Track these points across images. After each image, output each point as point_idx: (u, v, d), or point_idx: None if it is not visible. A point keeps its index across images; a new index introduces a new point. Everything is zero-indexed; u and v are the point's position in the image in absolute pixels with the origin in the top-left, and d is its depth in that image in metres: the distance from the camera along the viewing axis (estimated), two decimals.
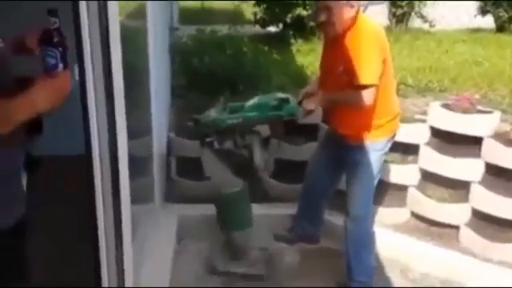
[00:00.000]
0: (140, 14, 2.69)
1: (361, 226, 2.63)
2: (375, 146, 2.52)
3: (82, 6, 1.49)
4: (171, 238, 2.85)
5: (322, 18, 2.38)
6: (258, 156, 2.59)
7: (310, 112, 2.54)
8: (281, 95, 2.61)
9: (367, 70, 2.31)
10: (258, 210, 2.83)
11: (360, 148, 2.51)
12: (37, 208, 2.28)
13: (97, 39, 1.54)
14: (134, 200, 1.98)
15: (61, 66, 1.36)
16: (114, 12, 1.61)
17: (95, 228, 1.71)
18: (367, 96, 2.33)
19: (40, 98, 1.35)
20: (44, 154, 3.07)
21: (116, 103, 1.65)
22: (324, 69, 2.63)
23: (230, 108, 2.60)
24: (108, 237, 1.73)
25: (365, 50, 2.33)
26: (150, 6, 2.77)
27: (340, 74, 2.42)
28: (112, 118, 1.63)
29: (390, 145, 2.60)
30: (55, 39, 1.35)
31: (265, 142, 2.63)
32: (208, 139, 2.59)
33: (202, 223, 2.94)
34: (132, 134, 2.05)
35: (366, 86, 2.32)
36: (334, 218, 2.95)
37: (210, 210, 2.72)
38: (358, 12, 2.38)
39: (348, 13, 2.35)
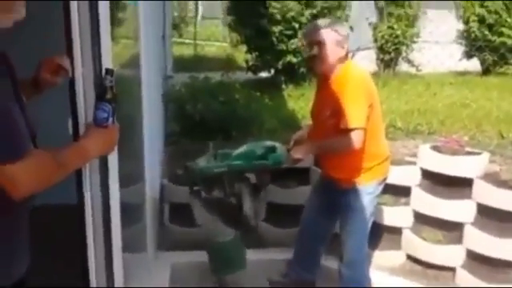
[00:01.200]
0: (134, 63, 2.76)
1: (356, 271, 2.61)
2: (367, 189, 2.54)
3: (78, 55, 1.54)
4: (164, 285, 2.80)
5: (314, 51, 2.45)
6: (248, 204, 2.59)
7: (297, 160, 2.55)
8: (268, 143, 2.63)
9: (354, 114, 2.36)
10: (251, 255, 2.80)
11: (352, 192, 2.53)
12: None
13: (90, 91, 1.59)
14: (127, 248, 1.97)
15: (111, 120, 1.48)
16: (108, 64, 1.65)
17: (87, 277, 1.70)
18: (355, 139, 2.37)
19: (92, 149, 1.44)
20: (35, 203, 3.05)
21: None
22: (313, 114, 2.69)
23: (219, 155, 2.63)
24: (100, 285, 1.71)
25: (351, 95, 2.38)
26: (143, 55, 2.85)
27: (327, 119, 2.47)
28: (104, 167, 1.65)
29: (381, 187, 2.63)
30: (108, 96, 1.49)
31: (254, 190, 2.63)
32: (195, 188, 2.60)
33: (194, 270, 2.90)
34: (125, 182, 2.07)
35: (353, 130, 2.36)
36: (329, 262, 2.92)
37: (202, 256, 2.70)
38: (347, 55, 2.46)
39: (338, 52, 2.43)
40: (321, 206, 2.75)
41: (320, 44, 2.42)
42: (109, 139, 1.48)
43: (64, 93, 1.58)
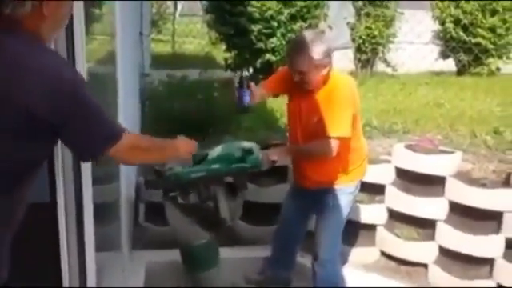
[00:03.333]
0: (110, 60, 2.73)
1: (330, 269, 2.64)
2: (347, 189, 2.58)
3: None
4: (139, 285, 2.79)
5: (297, 78, 2.42)
6: (225, 207, 2.56)
7: (274, 162, 2.55)
8: (245, 145, 2.60)
9: (337, 123, 2.38)
10: (226, 252, 2.81)
11: (332, 192, 2.55)
12: None
13: None
14: (101, 247, 1.95)
15: None
16: (81, 61, 1.64)
17: (59, 276, 1.68)
18: (331, 147, 2.39)
19: (181, 146, 1.75)
20: None
21: None
22: (296, 119, 2.59)
23: (194, 157, 2.59)
24: (73, 284, 1.70)
25: (337, 104, 2.39)
26: (119, 52, 2.82)
27: (314, 125, 2.46)
28: (78, 165, 1.64)
29: (359, 187, 2.67)
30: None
31: (231, 191, 2.61)
32: (171, 194, 2.56)
33: (169, 269, 2.90)
34: (100, 180, 2.05)
35: (332, 138, 2.38)
36: (305, 260, 2.95)
37: (177, 255, 2.70)
38: (331, 68, 2.43)
39: (322, 71, 2.39)
40: (299, 206, 2.77)
41: (301, 73, 2.39)
42: (191, 145, 1.80)
43: None
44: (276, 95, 2.76)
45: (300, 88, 2.47)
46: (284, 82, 2.58)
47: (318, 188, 2.58)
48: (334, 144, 2.38)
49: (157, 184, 2.73)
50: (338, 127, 2.38)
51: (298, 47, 2.38)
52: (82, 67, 1.64)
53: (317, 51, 2.33)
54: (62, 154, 1.61)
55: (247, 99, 2.43)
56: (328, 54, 2.38)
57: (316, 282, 2.62)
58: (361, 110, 2.65)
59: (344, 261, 2.89)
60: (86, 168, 1.69)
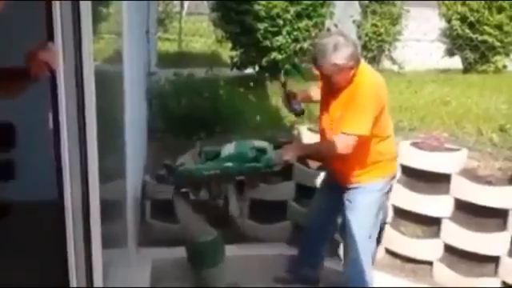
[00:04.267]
0: (117, 58, 2.76)
1: (358, 269, 2.60)
2: (373, 186, 2.55)
3: (59, 50, 1.55)
4: (145, 282, 2.81)
5: (324, 81, 2.50)
6: (234, 205, 2.59)
7: (286, 162, 2.57)
8: (258, 144, 2.60)
9: (354, 121, 2.39)
10: (231, 250, 2.83)
11: (358, 189, 2.55)
12: (6, 254, 2.25)
13: (71, 86, 1.59)
14: (107, 244, 1.97)
15: None
16: (89, 59, 1.66)
17: (66, 274, 1.70)
18: (342, 144, 2.40)
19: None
20: (15, 199, 3.05)
21: (88, 149, 1.67)
22: (327, 112, 2.61)
23: (205, 153, 2.59)
24: (80, 282, 1.72)
25: (358, 103, 2.40)
26: (126, 50, 2.84)
27: (337, 120, 2.49)
28: (84, 163, 1.66)
29: (389, 186, 2.64)
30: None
31: (241, 190, 2.63)
32: (183, 190, 2.56)
33: (176, 266, 2.92)
34: (106, 178, 2.07)
35: (346, 134, 2.39)
36: (334, 263, 2.96)
37: (183, 252, 2.72)
38: (357, 66, 2.43)
39: (347, 74, 2.41)
40: (326, 205, 2.76)
41: (327, 78, 2.44)
42: None
43: (45, 87, 1.59)
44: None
45: (333, 85, 2.52)
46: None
47: (344, 186, 2.58)
48: (348, 140, 2.38)
49: (168, 179, 2.74)
50: (353, 124, 2.38)
51: (322, 52, 2.39)
52: (90, 66, 1.66)
53: (340, 56, 2.35)
54: (68, 152, 1.63)
55: (297, 106, 2.76)
56: (353, 57, 2.38)
57: (344, 281, 2.61)
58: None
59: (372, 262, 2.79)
60: (93, 166, 1.71)
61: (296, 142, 2.65)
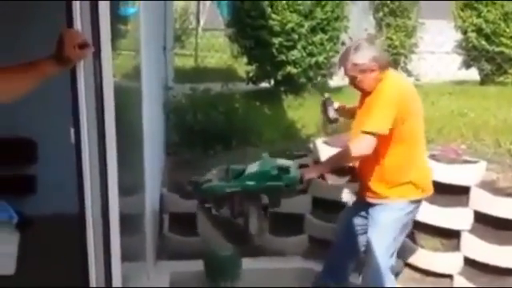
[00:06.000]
0: (135, 74, 2.82)
1: (373, 281, 2.56)
2: (399, 205, 2.51)
3: (79, 68, 1.59)
4: None
5: (350, 83, 2.55)
6: (255, 224, 2.57)
7: (309, 181, 2.60)
8: (282, 163, 2.59)
9: (372, 119, 2.38)
10: (247, 263, 2.82)
11: (382, 206, 2.53)
12: (29, 267, 2.28)
13: (91, 102, 1.63)
14: (126, 257, 2.00)
15: None
16: (109, 75, 1.70)
17: (87, 286, 1.73)
18: (360, 143, 2.39)
19: None
20: (37, 213, 3.10)
21: (108, 163, 1.71)
22: (358, 121, 2.65)
23: (232, 171, 2.60)
24: None
25: (378, 103, 2.42)
26: (144, 66, 2.90)
27: (359, 125, 2.51)
28: (104, 178, 1.69)
29: (415, 207, 2.57)
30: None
31: (262, 209, 2.62)
32: (207, 205, 2.59)
33: (194, 279, 2.92)
34: (125, 192, 2.10)
35: (365, 134, 2.38)
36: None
37: (201, 265, 2.73)
38: (380, 72, 2.45)
39: (370, 75, 2.45)
40: (354, 220, 2.73)
41: (352, 78, 2.50)
42: None
43: (67, 103, 1.63)
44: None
45: (363, 98, 2.58)
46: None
47: (370, 202, 2.57)
48: (366, 140, 2.37)
49: (193, 195, 2.77)
50: (370, 123, 2.38)
51: (344, 54, 2.53)
52: (109, 82, 1.70)
53: (361, 56, 2.43)
54: (90, 167, 1.66)
55: (331, 113, 2.77)
56: (375, 60, 2.43)
57: None
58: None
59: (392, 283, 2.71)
60: (113, 179, 1.74)
61: (315, 163, 2.64)
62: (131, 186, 2.53)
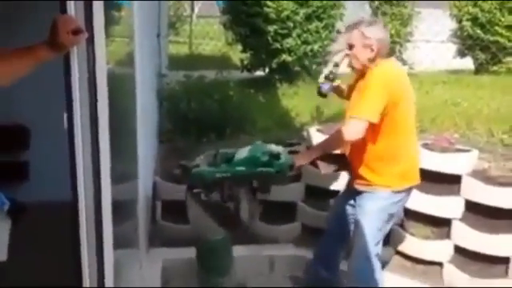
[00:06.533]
0: (128, 61, 2.80)
1: (361, 276, 2.59)
2: (386, 194, 2.53)
3: (73, 54, 1.59)
4: (156, 282, 2.84)
5: (347, 51, 2.55)
6: (245, 209, 2.57)
7: (299, 167, 2.59)
8: (273, 149, 2.58)
9: (360, 106, 2.39)
10: (238, 250, 2.84)
11: (370, 194, 2.55)
12: (21, 254, 2.29)
13: (84, 88, 1.63)
14: (119, 244, 2.01)
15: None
16: (102, 62, 1.69)
17: (79, 272, 1.74)
18: (350, 129, 2.40)
19: None
20: (29, 200, 3.09)
21: (101, 150, 1.71)
22: (348, 106, 2.67)
23: (220, 155, 2.60)
24: (92, 282, 1.75)
25: (367, 89, 2.42)
26: (138, 53, 2.89)
27: (350, 110, 2.52)
28: (97, 165, 1.69)
29: (401, 196, 2.57)
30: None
31: (252, 193, 2.62)
32: (195, 190, 2.58)
33: (186, 266, 2.94)
34: (118, 179, 2.11)
35: (353, 119, 2.39)
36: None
37: (194, 253, 2.74)
38: (377, 55, 2.47)
39: (366, 53, 2.47)
40: (344, 208, 2.75)
41: (350, 46, 2.52)
42: None
43: (60, 89, 1.63)
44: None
45: (356, 81, 2.60)
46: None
47: (359, 189, 2.59)
48: (356, 125, 2.37)
49: (180, 178, 2.76)
50: (360, 109, 2.38)
51: (356, 22, 2.55)
52: (103, 68, 1.69)
53: (372, 31, 2.47)
54: (82, 153, 1.66)
55: (325, 87, 2.71)
56: (380, 42, 2.46)
57: (349, 281, 2.62)
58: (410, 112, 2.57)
59: (378, 271, 2.68)
60: (105, 166, 1.75)
61: (306, 148, 2.64)
62: (124, 173, 2.53)
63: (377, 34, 2.48)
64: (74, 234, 1.72)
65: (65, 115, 1.64)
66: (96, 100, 1.66)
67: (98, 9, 1.64)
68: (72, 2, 1.55)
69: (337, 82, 2.74)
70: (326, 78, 2.72)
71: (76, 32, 1.54)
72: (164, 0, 6.43)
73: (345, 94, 2.79)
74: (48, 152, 3.26)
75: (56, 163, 2.30)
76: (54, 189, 2.68)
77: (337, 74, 2.72)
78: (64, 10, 1.56)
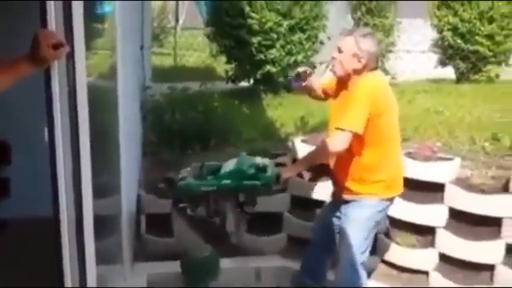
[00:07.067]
0: (111, 73, 2.79)
1: (346, 280, 2.58)
2: (371, 203, 2.53)
3: (53, 68, 1.57)
4: None
5: (335, 54, 2.52)
6: (231, 223, 2.55)
7: (286, 181, 2.58)
8: (259, 161, 2.56)
9: (346, 117, 2.39)
10: (225, 263, 2.82)
11: (355, 203, 2.55)
12: (3, 269, 2.24)
13: (65, 102, 1.62)
14: (103, 259, 1.98)
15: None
16: (82, 75, 1.68)
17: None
18: (335, 140, 2.41)
19: None
20: (11, 216, 3.05)
21: (82, 164, 1.69)
22: (333, 118, 2.65)
23: (207, 168, 2.56)
24: None
25: (352, 100, 2.42)
26: (120, 66, 2.87)
27: (334, 121, 2.53)
28: (78, 179, 1.67)
29: (385, 206, 2.59)
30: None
31: (239, 207, 2.58)
32: (181, 205, 2.54)
33: (171, 280, 2.91)
34: (101, 193, 2.08)
35: (339, 130, 2.39)
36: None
37: (179, 267, 2.71)
38: (364, 68, 2.47)
39: (353, 63, 2.46)
40: (330, 217, 2.75)
41: (339, 50, 2.50)
42: None
43: (41, 102, 1.61)
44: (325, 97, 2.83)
45: (338, 90, 2.60)
46: (334, 84, 2.69)
47: (344, 199, 2.59)
48: (340, 136, 2.38)
49: (165, 192, 2.72)
50: (344, 120, 2.39)
51: (355, 28, 2.52)
52: (83, 82, 1.68)
53: (365, 43, 2.45)
54: (64, 168, 1.64)
55: (293, 83, 2.78)
56: (369, 56, 2.45)
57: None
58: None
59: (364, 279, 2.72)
60: (86, 180, 1.73)
61: (293, 161, 2.62)
62: (107, 187, 2.50)
63: (369, 47, 2.46)
64: (56, 250, 1.69)
65: (45, 129, 1.63)
66: (76, 114, 1.65)
67: (78, 22, 1.63)
68: (52, 16, 1.55)
69: (306, 83, 2.72)
70: (297, 75, 2.71)
71: (57, 46, 1.53)
72: (150, 0, 6.40)
73: (318, 94, 2.78)
74: (29, 167, 3.22)
75: (37, 179, 2.27)
76: (35, 204, 2.65)
77: (310, 74, 2.72)
78: (45, 24, 1.56)
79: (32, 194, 2.95)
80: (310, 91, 2.80)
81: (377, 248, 3.29)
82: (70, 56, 1.61)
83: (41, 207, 1.99)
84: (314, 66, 2.70)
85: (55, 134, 1.61)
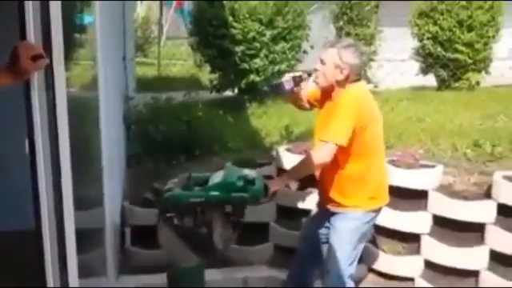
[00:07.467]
0: (93, 85, 2.76)
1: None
2: (357, 214, 2.54)
3: (33, 79, 1.55)
4: None
5: (317, 66, 2.53)
6: (218, 235, 2.52)
7: (274, 193, 2.58)
8: (248, 174, 2.54)
9: (330, 129, 2.40)
10: (214, 274, 2.80)
11: (342, 215, 2.55)
12: None
13: (44, 114, 1.59)
14: (88, 273, 1.95)
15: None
16: (61, 87, 1.66)
17: None
18: (320, 152, 2.42)
19: None
20: None
21: (63, 175, 1.66)
22: (318, 129, 2.66)
23: (194, 179, 2.55)
24: None
25: (336, 112, 2.43)
26: (101, 76, 2.85)
27: (319, 133, 2.54)
28: (58, 192, 1.64)
29: (372, 217, 2.60)
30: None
31: (226, 218, 2.55)
32: (168, 214, 2.51)
33: None
34: (84, 205, 2.05)
35: (324, 142, 2.40)
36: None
37: (165, 279, 2.68)
38: (347, 79, 2.48)
39: (335, 74, 2.47)
40: (316, 229, 2.75)
41: (322, 61, 2.50)
42: None
43: (21, 113, 1.59)
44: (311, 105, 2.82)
45: (323, 100, 2.60)
46: (318, 95, 2.70)
47: (331, 210, 2.59)
48: (325, 148, 2.39)
49: (152, 202, 2.67)
50: (329, 132, 2.40)
51: (337, 40, 2.49)
52: (62, 94, 1.66)
53: (346, 55, 2.45)
54: (45, 180, 1.62)
55: (287, 87, 2.67)
56: (352, 69, 2.45)
57: None
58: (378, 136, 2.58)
59: None
60: (67, 193, 1.70)
61: (279, 171, 2.60)
62: (90, 200, 2.46)
63: (352, 59, 2.46)
64: (38, 264, 1.66)
65: (26, 141, 1.60)
66: (56, 125, 1.63)
67: (57, 33, 1.62)
68: (31, 26, 1.53)
69: (298, 88, 2.69)
70: (293, 78, 2.65)
71: (36, 58, 1.52)
72: None
73: (303, 103, 2.79)
74: (10, 180, 3.16)
75: (19, 192, 2.23)
76: (17, 218, 2.60)
77: (303, 81, 2.69)
78: (23, 35, 1.54)
79: (14, 207, 2.89)
80: (296, 99, 2.80)
81: (364, 257, 3.30)
82: (48, 67, 1.59)
83: (23, 221, 1.95)
84: (309, 74, 2.67)
85: (36, 146, 1.59)
